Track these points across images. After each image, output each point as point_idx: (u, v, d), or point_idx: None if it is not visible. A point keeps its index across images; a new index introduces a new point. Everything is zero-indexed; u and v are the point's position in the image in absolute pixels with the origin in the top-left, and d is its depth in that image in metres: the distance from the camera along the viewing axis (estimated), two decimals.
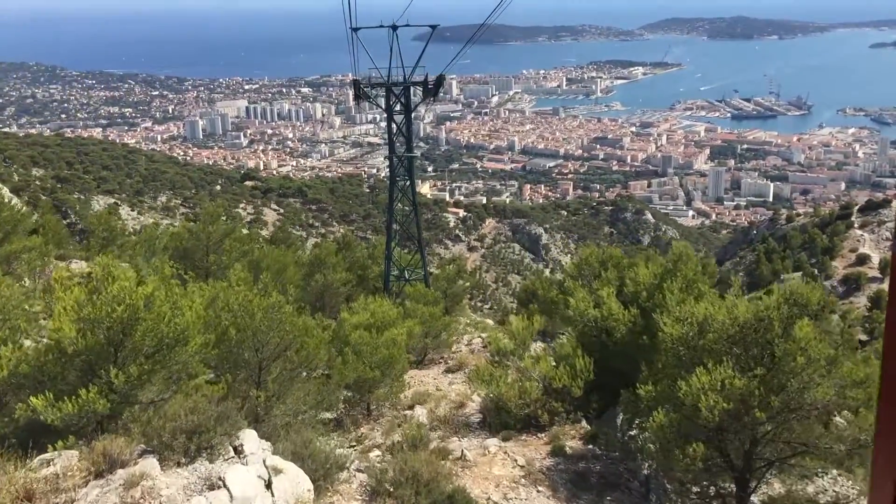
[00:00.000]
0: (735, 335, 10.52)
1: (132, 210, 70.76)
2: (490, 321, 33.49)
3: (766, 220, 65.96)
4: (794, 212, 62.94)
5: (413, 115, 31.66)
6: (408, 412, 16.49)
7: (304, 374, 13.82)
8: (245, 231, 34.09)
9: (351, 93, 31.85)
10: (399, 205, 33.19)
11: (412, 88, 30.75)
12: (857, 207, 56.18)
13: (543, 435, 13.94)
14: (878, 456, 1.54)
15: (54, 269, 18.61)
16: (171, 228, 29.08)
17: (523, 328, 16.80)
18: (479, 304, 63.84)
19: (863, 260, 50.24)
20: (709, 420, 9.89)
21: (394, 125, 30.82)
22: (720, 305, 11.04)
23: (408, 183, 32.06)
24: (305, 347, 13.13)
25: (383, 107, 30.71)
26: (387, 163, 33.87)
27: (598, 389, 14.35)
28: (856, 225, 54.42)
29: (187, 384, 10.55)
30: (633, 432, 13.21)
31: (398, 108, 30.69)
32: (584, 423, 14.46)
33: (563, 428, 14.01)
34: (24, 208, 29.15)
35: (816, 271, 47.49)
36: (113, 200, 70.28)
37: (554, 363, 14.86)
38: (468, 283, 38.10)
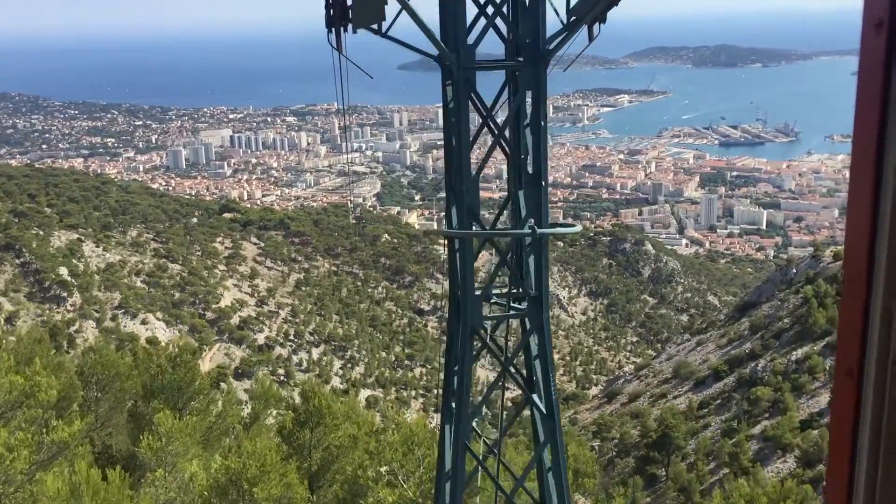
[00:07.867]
0: None
1: (97, 246, 65.58)
2: None
3: (808, 256, 59.50)
4: (842, 248, 57.64)
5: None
6: None
7: None
8: (121, 358, 17.24)
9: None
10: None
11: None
12: None
13: None
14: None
15: None
16: None
17: None
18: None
19: None
20: None
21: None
22: None
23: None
24: None
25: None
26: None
27: None
28: None
29: None
30: None
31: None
32: None
33: None
34: None
35: None
36: (76, 236, 65.16)
37: None
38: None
